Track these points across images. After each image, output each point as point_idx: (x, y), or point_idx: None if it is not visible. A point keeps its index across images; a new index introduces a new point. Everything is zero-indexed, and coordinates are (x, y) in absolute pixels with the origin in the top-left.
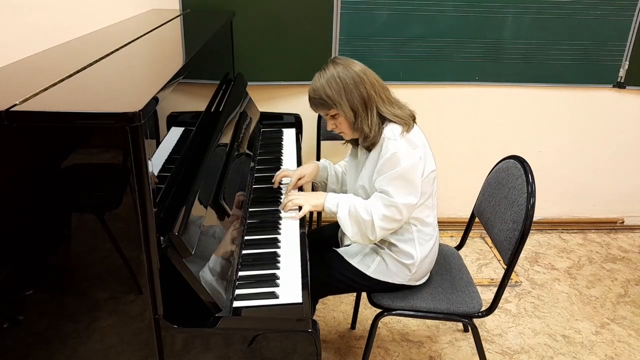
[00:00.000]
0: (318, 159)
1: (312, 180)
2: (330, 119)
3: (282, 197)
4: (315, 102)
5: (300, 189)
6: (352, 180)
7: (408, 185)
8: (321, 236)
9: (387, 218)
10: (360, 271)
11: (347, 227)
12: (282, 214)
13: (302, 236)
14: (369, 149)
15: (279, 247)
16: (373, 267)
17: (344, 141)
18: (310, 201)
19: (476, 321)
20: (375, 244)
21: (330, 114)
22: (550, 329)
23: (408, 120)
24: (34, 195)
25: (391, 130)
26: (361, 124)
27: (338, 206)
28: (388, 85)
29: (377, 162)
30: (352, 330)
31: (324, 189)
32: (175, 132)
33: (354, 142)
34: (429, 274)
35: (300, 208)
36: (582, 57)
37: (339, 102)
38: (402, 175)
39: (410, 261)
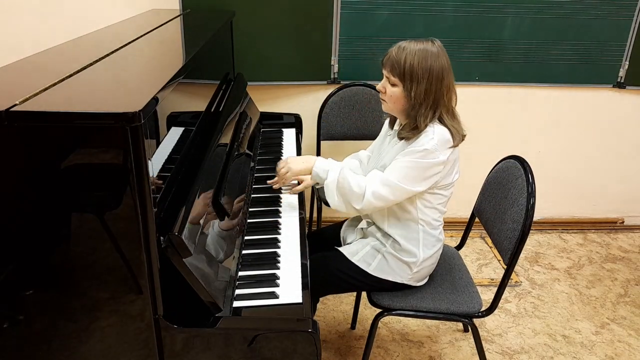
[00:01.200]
0: None
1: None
2: (388, 83)
3: (281, 195)
4: (393, 61)
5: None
6: (375, 157)
7: (418, 177)
8: (322, 237)
9: (378, 195)
10: (361, 269)
11: (333, 195)
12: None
13: (302, 236)
14: (401, 137)
15: (279, 247)
16: (374, 265)
17: (387, 119)
18: (298, 166)
19: (476, 321)
20: (377, 240)
21: (393, 81)
22: (550, 329)
23: (457, 137)
24: (34, 195)
25: (434, 131)
26: (419, 115)
27: (328, 173)
28: None
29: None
30: (352, 330)
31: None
32: (175, 132)
33: (393, 121)
34: (429, 275)
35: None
36: (582, 57)
37: (416, 80)
38: (417, 167)
39: (413, 259)
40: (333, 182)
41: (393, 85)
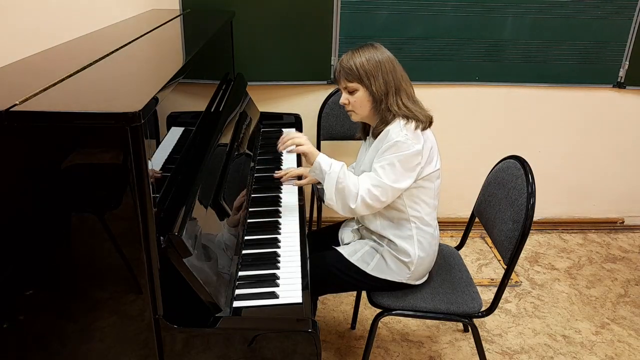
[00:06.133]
0: None
1: (312, 182)
2: (347, 93)
3: (281, 195)
4: (345, 72)
5: (300, 187)
6: (357, 167)
7: (402, 171)
8: (322, 237)
9: (372, 195)
10: (359, 269)
11: (331, 189)
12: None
13: (302, 236)
14: (376, 135)
15: (279, 247)
16: (372, 265)
17: (357, 134)
18: (308, 145)
19: (476, 321)
20: (374, 240)
21: (352, 87)
22: (550, 329)
23: (424, 121)
24: (34, 195)
25: (400, 124)
26: (390, 105)
27: (331, 166)
28: None
29: (378, 149)
30: (352, 330)
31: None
32: (175, 132)
33: (364, 133)
34: (428, 273)
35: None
36: (582, 57)
37: (372, 75)
38: (397, 162)
39: (408, 259)
40: (335, 174)
41: (353, 92)
